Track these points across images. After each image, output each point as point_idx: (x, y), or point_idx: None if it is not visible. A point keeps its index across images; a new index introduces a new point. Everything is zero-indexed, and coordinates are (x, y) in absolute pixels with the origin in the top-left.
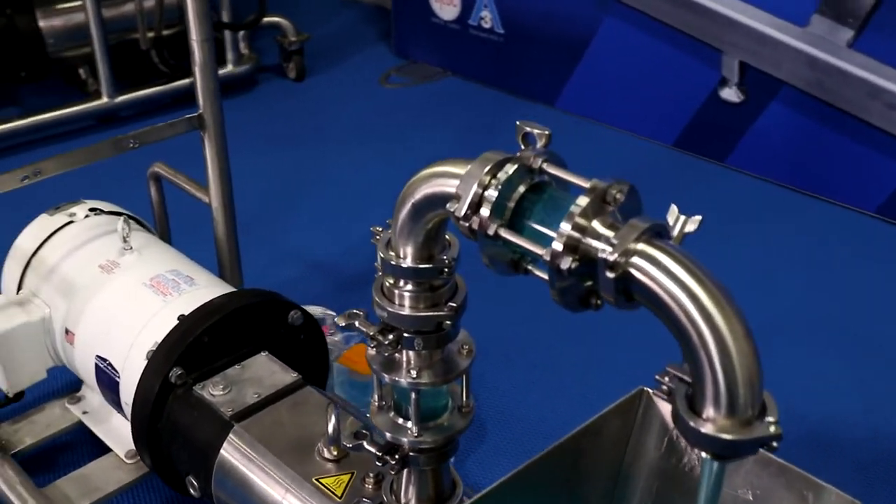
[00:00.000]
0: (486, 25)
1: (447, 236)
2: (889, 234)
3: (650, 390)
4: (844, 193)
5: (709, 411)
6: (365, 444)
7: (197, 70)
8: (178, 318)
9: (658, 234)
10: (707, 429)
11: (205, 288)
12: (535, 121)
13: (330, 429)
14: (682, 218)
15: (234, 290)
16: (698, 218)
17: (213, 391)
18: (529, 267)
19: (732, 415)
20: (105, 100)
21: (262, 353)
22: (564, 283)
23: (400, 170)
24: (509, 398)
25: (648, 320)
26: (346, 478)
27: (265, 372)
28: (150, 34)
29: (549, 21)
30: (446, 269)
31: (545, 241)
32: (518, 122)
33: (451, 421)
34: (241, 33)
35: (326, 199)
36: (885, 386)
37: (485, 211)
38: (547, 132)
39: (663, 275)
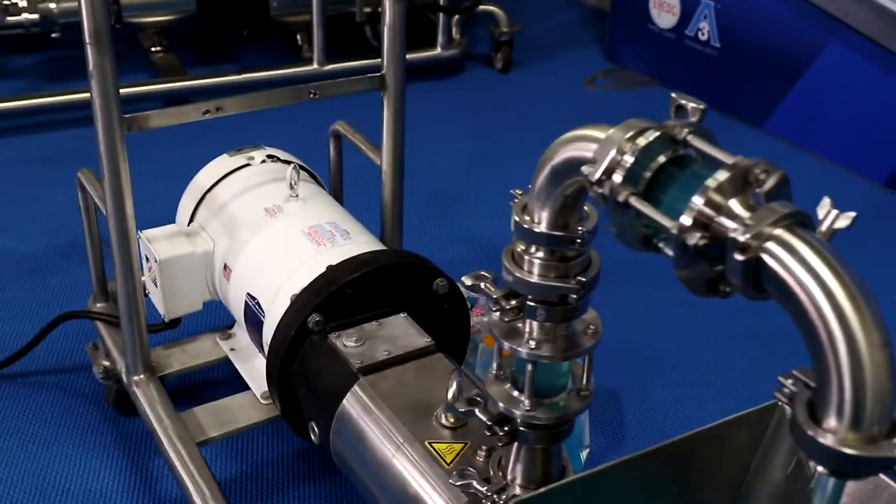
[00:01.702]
0: (703, 37)
1: (586, 207)
2: None
3: (785, 406)
4: None
5: (830, 421)
6: (477, 410)
7: (385, 30)
8: (327, 268)
9: (801, 223)
10: (827, 440)
11: (359, 244)
12: (741, 143)
13: (450, 395)
14: (835, 212)
15: (383, 249)
16: (852, 214)
17: (346, 342)
18: (661, 245)
19: (856, 428)
20: (315, 66)
21: (402, 314)
22: (691, 263)
23: None
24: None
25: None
26: (458, 447)
27: (400, 332)
28: (367, 9)
29: (769, 38)
30: (579, 240)
31: (676, 216)
32: (673, 94)
33: (566, 401)
34: (455, 18)
35: (506, 191)
36: None
37: (617, 177)
38: (702, 107)
39: (798, 264)
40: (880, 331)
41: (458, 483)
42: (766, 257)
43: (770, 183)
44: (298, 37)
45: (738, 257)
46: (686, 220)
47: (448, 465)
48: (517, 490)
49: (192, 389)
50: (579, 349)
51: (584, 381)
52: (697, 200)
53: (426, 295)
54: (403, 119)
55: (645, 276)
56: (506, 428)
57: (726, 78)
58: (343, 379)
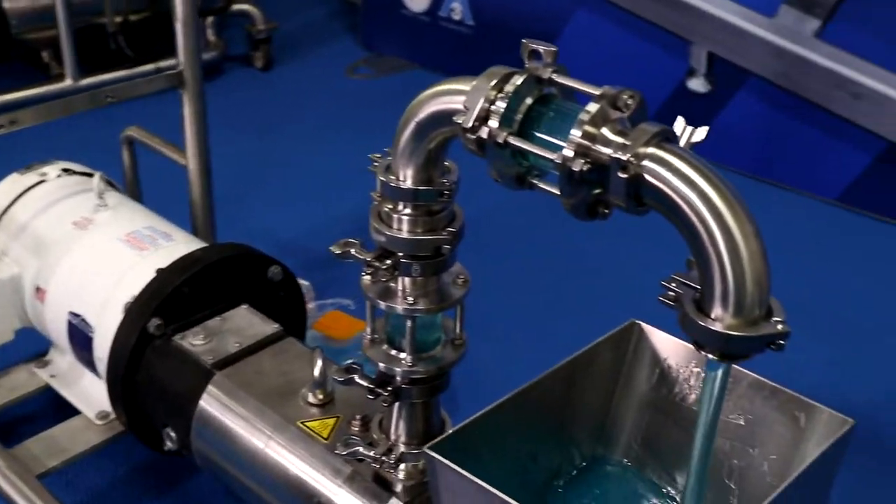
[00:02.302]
0: (457, 17)
1: (447, 162)
2: (851, 221)
3: (642, 323)
4: (808, 182)
5: (717, 310)
6: (356, 378)
7: (178, 24)
8: (156, 272)
9: (668, 139)
10: (716, 327)
11: (183, 244)
12: None
13: (317, 372)
14: (689, 128)
15: (210, 245)
16: (705, 129)
17: (192, 341)
18: (535, 181)
19: (740, 313)
20: (69, 82)
21: (243, 306)
22: (575, 190)
23: (363, 157)
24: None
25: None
26: (331, 421)
27: (246, 323)
28: (118, 19)
29: (520, 12)
30: (447, 192)
31: (555, 149)
32: (524, 41)
33: (443, 353)
34: (209, 20)
35: (292, 184)
36: (850, 365)
37: (493, 121)
38: (553, 49)
39: (675, 176)
40: (752, 222)
41: (345, 452)
42: (645, 174)
43: (634, 106)
44: (44, 54)
45: (622, 176)
46: (568, 150)
47: (326, 440)
48: (401, 448)
49: (14, 425)
50: (453, 299)
51: (458, 331)
52: (576, 132)
53: (262, 284)
54: (206, 114)
55: None
56: (389, 388)
57: (483, 55)
58: (197, 377)
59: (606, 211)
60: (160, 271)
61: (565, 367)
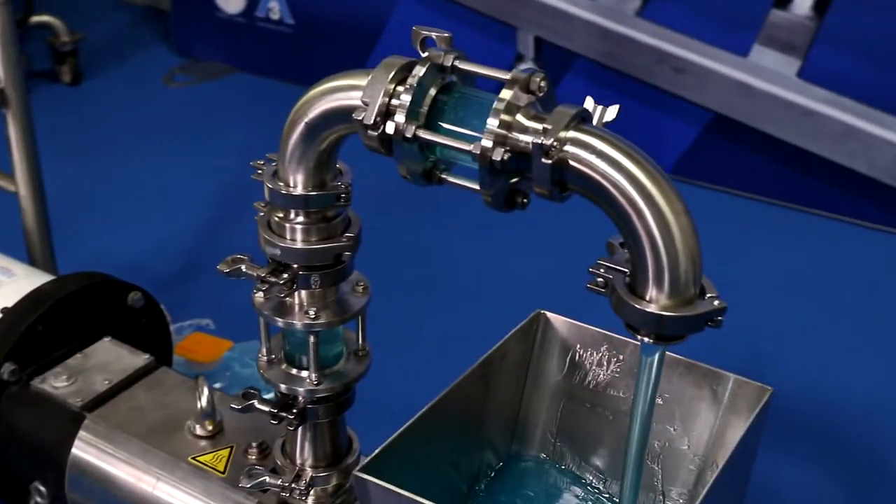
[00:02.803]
0: (275, 17)
1: (338, 164)
2: (686, 192)
3: (547, 312)
4: None
5: (651, 292)
6: (256, 403)
7: None
8: (2, 312)
9: (584, 120)
10: (651, 308)
11: (25, 278)
12: None
13: (204, 401)
14: (600, 108)
15: (60, 276)
16: (616, 107)
17: (55, 384)
18: (444, 175)
19: (675, 293)
20: None
21: (105, 339)
22: (494, 180)
23: (193, 169)
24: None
25: None
26: (224, 452)
27: (112, 357)
28: None
29: (341, 8)
30: (343, 195)
31: (470, 140)
32: (414, 28)
33: (347, 367)
34: None
35: (122, 203)
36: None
37: (399, 116)
38: (447, 34)
39: (600, 159)
40: (680, 200)
41: (250, 484)
42: (569, 158)
43: (546, 88)
44: None
45: (546, 162)
46: (486, 141)
47: (223, 473)
48: (310, 472)
49: None
50: (356, 308)
51: (361, 342)
52: (492, 121)
53: (122, 313)
54: (34, 134)
55: None
56: (294, 411)
57: (307, 53)
58: (65, 423)
59: (525, 200)
60: (6, 311)
61: (479, 368)
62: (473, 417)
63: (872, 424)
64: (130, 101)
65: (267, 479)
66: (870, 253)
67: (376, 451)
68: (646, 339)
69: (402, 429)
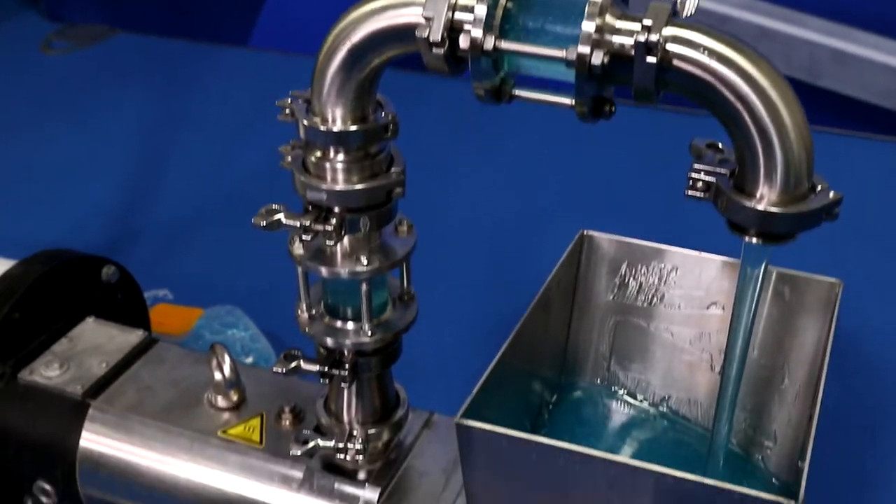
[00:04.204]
0: None
1: (378, 96)
2: None
3: (592, 232)
4: None
5: (761, 191)
6: (302, 363)
7: None
8: None
9: (676, 13)
10: (762, 206)
11: None
12: (227, 64)
13: (227, 369)
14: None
15: (22, 259)
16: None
17: (45, 373)
18: (516, 91)
19: (788, 189)
20: None
21: (89, 319)
22: (590, 88)
23: (94, 140)
24: None
25: None
26: (255, 422)
27: (102, 337)
28: None
29: None
30: (391, 126)
31: (557, 44)
32: None
33: (395, 315)
34: None
35: (24, 187)
36: None
37: (474, 28)
38: None
39: (707, 55)
40: (791, 90)
41: (301, 451)
42: (673, 57)
43: None
44: None
45: (650, 61)
46: (583, 46)
47: (260, 444)
48: (361, 430)
49: None
50: (406, 250)
51: (406, 285)
52: (587, 22)
53: (97, 289)
54: None
55: None
56: (345, 367)
57: (198, 5)
58: (67, 414)
59: (613, 108)
60: None
61: (541, 299)
62: (535, 351)
63: None
64: (7, 75)
65: (319, 441)
66: None
67: (469, 398)
68: (754, 240)
69: (487, 371)
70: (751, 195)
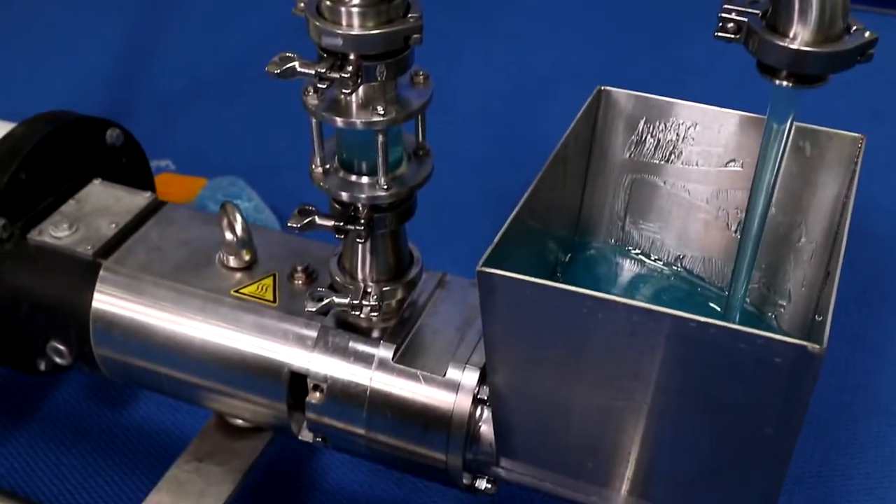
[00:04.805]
0: None
1: None
2: None
3: (609, 88)
4: None
5: (795, 30)
6: (317, 219)
7: None
8: None
9: None
10: (796, 45)
11: None
12: None
13: (239, 228)
14: None
15: (25, 119)
16: None
17: (55, 234)
18: None
19: (822, 28)
20: None
21: (95, 181)
22: None
23: (89, 8)
24: None
25: None
26: (268, 281)
27: (110, 199)
28: None
29: None
30: None
31: None
32: None
33: (411, 169)
34: None
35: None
36: None
37: None
38: None
39: None
40: None
41: (316, 308)
42: None
43: None
44: None
45: None
46: None
47: (274, 302)
48: (376, 287)
49: None
50: (423, 100)
51: (421, 139)
52: None
53: (101, 152)
54: None
55: None
56: (361, 222)
57: None
58: (79, 273)
59: None
60: None
61: (560, 153)
62: (551, 208)
63: None
64: None
65: (335, 298)
66: None
67: (489, 248)
68: (785, 83)
69: (505, 225)
70: (784, 34)
